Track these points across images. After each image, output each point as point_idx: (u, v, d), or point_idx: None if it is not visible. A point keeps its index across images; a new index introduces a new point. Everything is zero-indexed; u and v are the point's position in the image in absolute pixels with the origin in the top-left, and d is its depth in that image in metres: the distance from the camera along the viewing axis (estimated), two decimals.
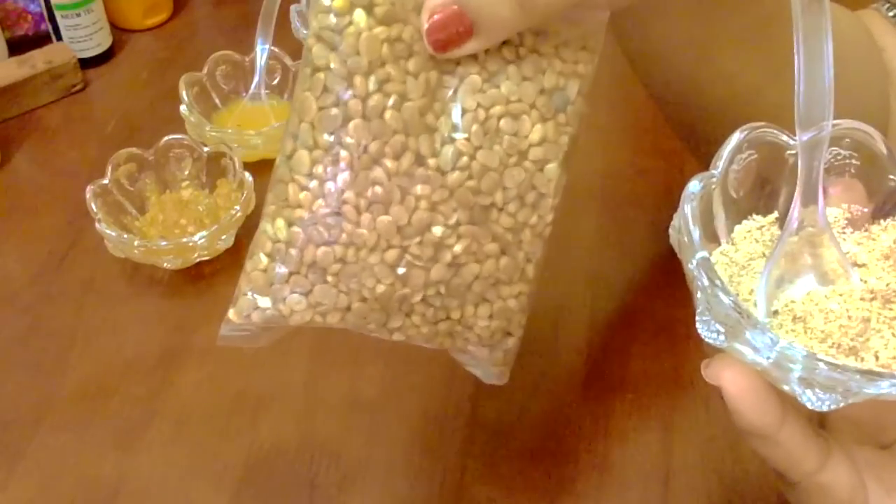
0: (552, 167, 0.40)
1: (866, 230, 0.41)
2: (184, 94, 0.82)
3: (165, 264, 0.72)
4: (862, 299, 0.38)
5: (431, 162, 0.38)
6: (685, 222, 0.37)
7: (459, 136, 0.38)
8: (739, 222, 0.41)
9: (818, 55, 0.36)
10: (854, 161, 0.41)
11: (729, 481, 0.61)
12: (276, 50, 0.86)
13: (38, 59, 0.89)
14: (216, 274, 0.74)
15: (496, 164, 0.39)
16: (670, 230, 0.38)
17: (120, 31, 0.98)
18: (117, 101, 0.91)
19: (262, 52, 0.85)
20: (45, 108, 0.90)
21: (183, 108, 0.82)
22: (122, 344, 0.69)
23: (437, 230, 0.39)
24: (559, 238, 0.79)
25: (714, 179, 0.39)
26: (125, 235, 0.70)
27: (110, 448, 0.63)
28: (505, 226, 0.40)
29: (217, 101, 0.87)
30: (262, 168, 0.79)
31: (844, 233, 0.41)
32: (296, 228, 0.39)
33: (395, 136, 0.37)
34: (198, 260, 0.73)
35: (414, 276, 0.39)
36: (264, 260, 0.40)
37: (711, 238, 0.40)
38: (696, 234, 0.37)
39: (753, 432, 0.37)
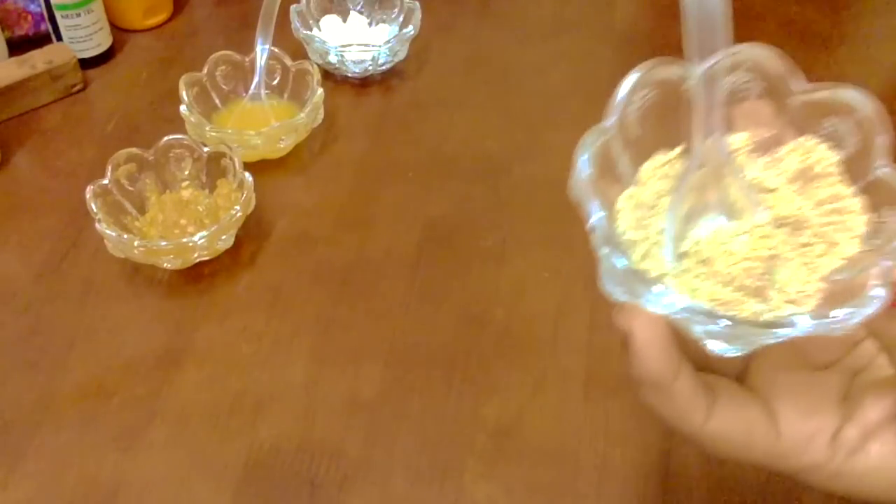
0: None
1: (774, 153, 0.40)
2: (184, 94, 0.82)
3: (165, 264, 0.72)
4: (765, 237, 0.37)
5: None
6: (578, 178, 0.37)
7: None
8: (646, 160, 0.40)
9: None
10: (756, 84, 0.39)
11: (729, 482, 0.61)
12: (276, 50, 0.87)
13: (38, 60, 0.89)
14: (216, 274, 0.74)
15: None
16: (569, 188, 0.37)
17: (120, 31, 0.98)
18: (117, 101, 0.91)
19: (262, 52, 0.86)
20: (45, 108, 0.90)
21: (183, 108, 0.82)
22: (122, 344, 0.69)
23: None
24: (559, 238, 0.80)
25: (608, 129, 0.38)
26: (125, 235, 0.70)
27: (110, 448, 0.63)
28: None
29: (217, 101, 0.87)
30: (262, 168, 0.80)
31: (751, 157, 0.40)
32: None
33: None
34: (198, 260, 0.73)
35: None
36: None
37: (616, 181, 0.40)
38: (590, 191, 0.36)
39: (650, 381, 0.37)
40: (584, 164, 0.37)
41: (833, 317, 0.33)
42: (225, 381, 0.67)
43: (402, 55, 0.93)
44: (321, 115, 0.86)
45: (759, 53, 0.39)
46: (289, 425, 0.64)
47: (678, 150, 0.40)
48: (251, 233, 0.76)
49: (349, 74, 0.92)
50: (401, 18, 0.95)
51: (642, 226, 0.38)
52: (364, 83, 0.93)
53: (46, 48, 0.90)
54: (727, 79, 0.38)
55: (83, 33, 0.92)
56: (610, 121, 0.38)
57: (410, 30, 0.92)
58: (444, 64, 0.97)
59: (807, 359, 0.41)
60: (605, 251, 0.35)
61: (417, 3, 0.93)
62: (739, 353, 0.35)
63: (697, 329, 0.35)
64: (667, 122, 0.40)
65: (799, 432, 0.39)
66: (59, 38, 0.92)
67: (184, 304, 0.72)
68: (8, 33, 0.92)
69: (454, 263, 0.75)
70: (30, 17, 0.93)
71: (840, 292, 0.35)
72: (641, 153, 0.40)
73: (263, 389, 0.66)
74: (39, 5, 0.91)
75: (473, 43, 0.99)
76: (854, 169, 0.38)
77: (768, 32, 0.99)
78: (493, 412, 0.65)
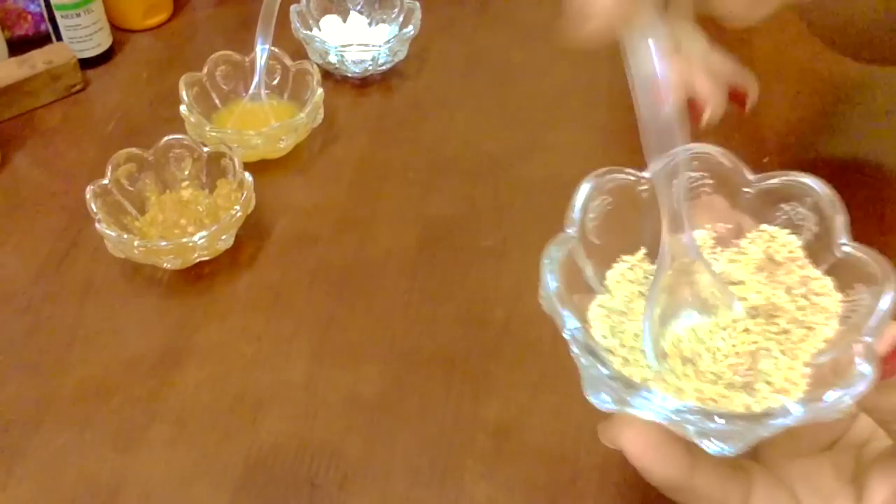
0: None
1: (736, 246, 0.40)
2: (184, 94, 0.82)
3: (165, 264, 0.72)
4: (746, 331, 0.37)
5: None
6: (547, 291, 0.37)
7: None
8: (609, 268, 0.41)
9: (650, 83, 0.35)
10: (707, 180, 0.40)
11: None
12: (276, 50, 0.87)
13: (38, 60, 0.89)
14: (216, 274, 0.74)
15: None
16: (540, 300, 0.37)
17: (120, 32, 0.98)
18: (117, 102, 0.91)
19: (261, 52, 0.86)
20: (45, 108, 0.90)
21: (183, 108, 0.82)
22: (122, 344, 0.69)
23: None
24: None
25: (571, 237, 0.38)
26: (125, 235, 0.70)
27: (110, 448, 0.63)
28: None
29: (217, 101, 0.87)
30: (262, 168, 0.80)
31: (714, 252, 0.40)
32: None
33: None
34: (198, 260, 0.73)
35: None
36: None
37: (584, 290, 0.40)
38: (560, 303, 0.36)
39: (665, 485, 0.37)
40: (550, 278, 0.37)
41: (824, 401, 0.33)
42: (225, 380, 0.67)
43: (401, 55, 0.93)
44: (321, 115, 0.86)
45: (704, 151, 0.40)
46: (289, 425, 0.64)
47: (640, 254, 0.41)
48: (251, 233, 0.76)
49: (349, 74, 0.92)
50: (401, 18, 0.95)
51: (617, 333, 0.38)
52: (364, 83, 0.94)
53: (46, 48, 0.90)
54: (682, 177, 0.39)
55: (83, 33, 0.92)
56: (571, 230, 0.39)
57: (410, 30, 0.92)
58: (444, 64, 0.97)
59: (811, 442, 0.41)
60: (585, 361, 0.35)
61: (417, 3, 0.94)
62: (736, 452, 0.34)
63: (691, 430, 0.34)
64: (625, 228, 0.40)
65: None
66: (59, 38, 0.92)
67: (184, 304, 0.72)
68: (8, 33, 0.93)
69: (454, 263, 0.75)
70: (30, 18, 0.94)
71: (826, 374, 0.35)
72: (604, 261, 0.41)
73: (263, 389, 0.66)
74: (39, 5, 0.92)
75: (473, 43, 1.00)
76: (816, 251, 0.39)
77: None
78: (493, 412, 0.65)
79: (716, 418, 0.33)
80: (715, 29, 1.03)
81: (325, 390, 0.66)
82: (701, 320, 0.38)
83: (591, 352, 0.35)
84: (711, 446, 0.34)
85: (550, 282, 0.37)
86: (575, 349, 0.36)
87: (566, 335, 0.36)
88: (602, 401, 0.36)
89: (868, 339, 0.35)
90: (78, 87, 0.92)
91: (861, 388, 0.33)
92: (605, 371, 0.34)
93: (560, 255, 0.38)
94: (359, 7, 0.98)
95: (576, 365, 0.66)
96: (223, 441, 0.63)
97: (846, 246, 0.38)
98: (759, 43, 0.97)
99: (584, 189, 0.39)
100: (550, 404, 0.65)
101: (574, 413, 0.64)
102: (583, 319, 0.38)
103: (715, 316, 0.38)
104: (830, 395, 0.33)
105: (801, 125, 0.88)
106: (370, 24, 0.97)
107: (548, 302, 0.37)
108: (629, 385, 0.34)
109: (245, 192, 0.74)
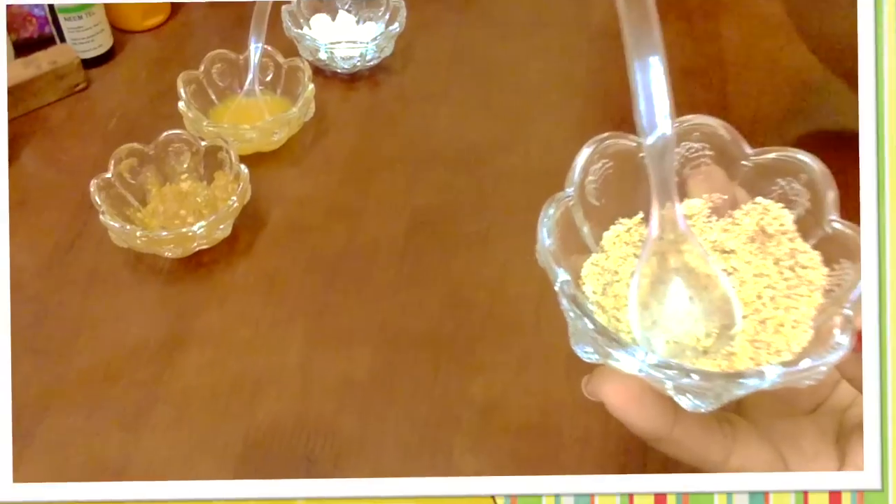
0: None
1: (730, 216, 0.41)
2: (181, 91, 0.84)
3: (166, 253, 0.74)
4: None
5: None
6: (542, 246, 0.38)
7: None
8: (607, 229, 0.41)
9: (648, 56, 0.36)
10: (707, 151, 0.41)
11: None
12: (269, 48, 0.88)
13: (42, 60, 0.90)
14: (215, 262, 0.76)
15: None
16: (536, 254, 0.38)
17: (120, 33, 0.99)
18: (118, 99, 0.93)
19: (255, 50, 0.87)
20: (50, 107, 0.91)
21: (181, 104, 0.84)
22: (126, 330, 0.71)
23: None
24: None
25: (569, 198, 0.39)
26: (128, 226, 0.72)
27: (116, 429, 0.65)
28: None
29: (213, 97, 0.88)
30: (257, 160, 0.82)
31: (710, 221, 0.41)
32: None
33: None
34: (197, 249, 0.75)
35: None
36: None
37: (582, 250, 0.41)
38: (553, 258, 0.38)
39: (646, 437, 0.38)
40: (545, 235, 0.38)
41: (799, 367, 0.34)
42: (224, 364, 0.68)
43: (388, 51, 0.95)
44: (312, 110, 0.87)
45: (705, 123, 0.41)
46: (285, 405, 0.66)
47: (637, 218, 0.42)
48: (247, 222, 0.78)
49: (338, 70, 0.94)
50: (387, 16, 0.96)
51: (609, 290, 0.39)
52: (353, 78, 0.95)
53: (51, 49, 0.91)
54: (680, 147, 0.40)
55: (85, 35, 0.93)
56: (568, 190, 0.39)
57: (396, 27, 0.93)
58: (429, 59, 0.97)
59: (794, 405, 0.42)
60: (572, 314, 0.36)
61: (403, 2, 0.95)
62: (710, 408, 0.35)
63: (669, 385, 0.35)
64: (625, 192, 0.41)
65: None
66: (63, 40, 0.93)
67: (184, 291, 0.74)
68: (14, 36, 0.94)
69: (440, 250, 0.77)
70: (34, 21, 0.95)
71: (808, 345, 0.37)
72: (602, 223, 0.41)
73: (261, 371, 0.68)
74: (43, 9, 0.93)
75: (456, 39, 1.00)
76: (806, 226, 0.40)
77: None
78: (479, 390, 0.66)
79: (692, 375, 0.34)
80: (686, 23, 1.01)
81: (319, 372, 0.68)
82: (690, 307, 0.39)
83: (578, 305, 0.36)
84: (687, 402, 0.35)
85: (545, 237, 0.38)
86: (563, 302, 0.37)
87: (556, 287, 0.37)
88: (585, 352, 0.37)
89: (848, 310, 0.36)
90: (81, 87, 0.93)
91: (834, 357, 0.34)
92: (589, 324, 0.35)
93: (556, 213, 0.39)
94: (347, 6, 0.99)
95: (557, 344, 0.68)
96: (223, 421, 0.65)
97: (835, 222, 0.39)
98: (728, 35, 0.98)
99: (585, 152, 0.40)
100: (534, 382, 0.67)
101: (556, 389, 0.66)
102: (577, 276, 0.39)
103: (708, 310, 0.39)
104: (805, 363, 0.34)
105: (770, 114, 0.89)
106: (358, 22, 0.98)
107: (542, 256, 0.38)
108: (612, 339, 0.35)
109: (241, 184, 0.75)
